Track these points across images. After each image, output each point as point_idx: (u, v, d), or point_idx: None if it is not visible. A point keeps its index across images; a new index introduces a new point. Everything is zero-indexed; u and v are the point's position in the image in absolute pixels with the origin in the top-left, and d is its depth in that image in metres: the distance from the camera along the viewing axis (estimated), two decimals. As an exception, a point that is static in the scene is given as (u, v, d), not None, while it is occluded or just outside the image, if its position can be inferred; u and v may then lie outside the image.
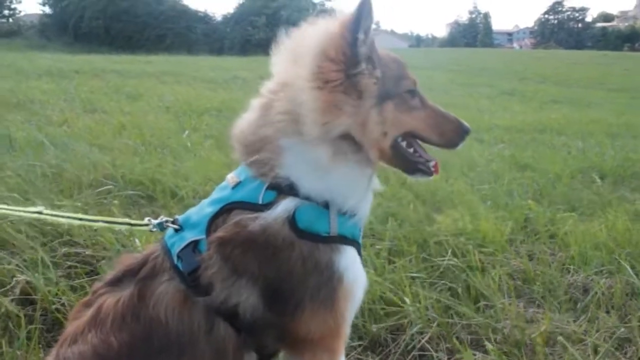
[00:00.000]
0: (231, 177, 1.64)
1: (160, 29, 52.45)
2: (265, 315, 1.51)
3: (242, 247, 1.49)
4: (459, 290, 2.84)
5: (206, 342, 1.51)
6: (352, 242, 1.59)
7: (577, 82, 25.67)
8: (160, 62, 23.66)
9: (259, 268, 1.50)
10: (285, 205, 1.50)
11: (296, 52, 1.57)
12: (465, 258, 3.14)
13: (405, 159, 1.68)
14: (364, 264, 1.66)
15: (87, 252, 2.93)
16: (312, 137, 1.48)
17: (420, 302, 2.65)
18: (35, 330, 2.30)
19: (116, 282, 1.61)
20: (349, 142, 1.52)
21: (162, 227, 1.70)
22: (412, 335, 2.49)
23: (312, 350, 1.59)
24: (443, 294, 2.80)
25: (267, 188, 1.53)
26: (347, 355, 2.12)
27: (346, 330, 1.63)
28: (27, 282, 2.56)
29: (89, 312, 1.55)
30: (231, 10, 58.83)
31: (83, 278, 2.72)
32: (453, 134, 1.73)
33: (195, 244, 1.56)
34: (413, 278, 2.90)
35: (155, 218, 1.76)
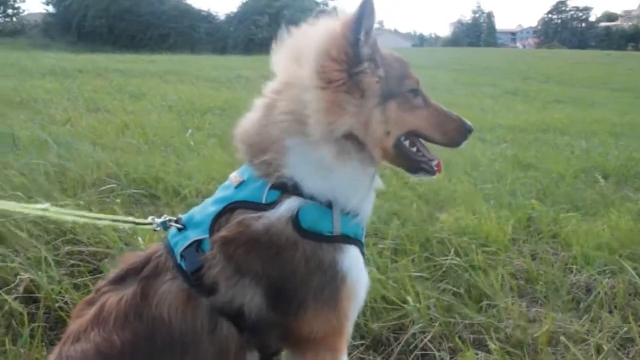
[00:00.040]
0: (234, 177, 1.64)
1: (164, 28, 52.50)
2: (268, 315, 1.52)
3: (245, 246, 1.49)
4: (462, 289, 2.84)
5: (209, 342, 1.51)
6: (355, 241, 1.59)
7: (580, 81, 25.60)
8: (163, 61, 23.68)
9: (263, 267, 1.50)
10: (289, 205, 1.51)
11: (298, 52, 1.58)
12: (468, 257, 3.14)
13: (408, 158, 1.68)
14: (367, 263, 1.66)
15: (90, 251, 2.94)
16: (316, 137, 1.48)
17: (422, 302, 2.65)
18: (39, 328, 2.30)
19: (119, 281, 1.61)
20: (352, 141, 1.52)
21: (165, 226, 1.70)
22: (415, 334, 2.48)
23: (314, 350, 1.59)
24: (445, 294, 2.80)
25: (271, 187, 1.54)
26: (349, 354, 2.12)
27: (349, 329, 1.63)
28: (31, 280, 2.57)
29: (92, 311, 1.56)
30: (234, 10, 58.81)
31: (86, 276, 2.72)
32: (456, 133, 1.73)
33: (198, 243, 1.56)
34: (415, 277, 2.90)
35: (159, 217, 1.76)
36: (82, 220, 2.01)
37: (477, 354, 2.39)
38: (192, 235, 1.58)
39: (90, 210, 3.34)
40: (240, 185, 1.59)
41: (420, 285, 2.81)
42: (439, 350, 2.43)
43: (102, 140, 5.83)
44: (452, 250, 3.19)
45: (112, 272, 1.67)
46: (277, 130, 1.54)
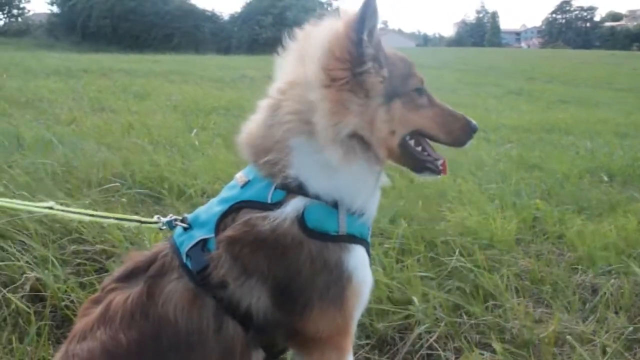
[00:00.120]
0: (240, 176, 1.64)
1: (168, 28, 52.66)
2: (274, 314, 1.52)
3: (251, 246, 1.49)
4: (467, 289, 2.83)
5: (215, 341, 1.51)
6: (361, 241, 1.59)
7: (585, 81, 25.53)
8: (167, 61, 23.74)
9: (268, 267, 1.50)
10: (295, 205, 1.51)
11: (302, 52, 1.58)
12: (473, 257, 3.13)
13: (413, 157, 1.68)
14: (373, 262, 1.66)
15: (96, 250, 2.95)
16: (321, 137, 1.48)
17: (428, 302, 2.64)
18: (45, 327, 2.32)
19: (125, 279, 1.62)
20: (358, 141, 1.52)
21: (171, 225, 1.70)
22: (420, 334, 2.48)
23: (320, 349, 1.59)
24: (451, 294, 2.79)
25: (276, 187, 1.53)
26: (354, 353, 2.11)
27: (354, 328, 1.63)
28: (37, 279, 2.58)
29: (98, 309, 1.56)
30: (238, 10, 59.04)
31: (92, 275, 2.73)
32: (461, 132, 1.72)
33: (204, 243, 1.56)
34: (421, 277, 2.90)
35: (164, 216, 1.77)
36: (87, 218, 2.02)
37: (482, 354, 2.39)
38: (198, 235, 1.58)
39: (96, 209, 3.35)
40: (245, 185, 1.59)
41: (425, 285, 2.81)
42: (444, 351, 2.43)
43: (107, 140, 5.84)
44: (458, 251, 3.18)
45: (118, 271, 1.68)
46: (282, 130, 1.54)
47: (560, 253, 3.50)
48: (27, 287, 2.54)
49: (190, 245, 1.57)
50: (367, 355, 2.42)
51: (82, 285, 2.65)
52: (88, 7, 53.23)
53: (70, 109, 8.44)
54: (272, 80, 1.67)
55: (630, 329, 2.57)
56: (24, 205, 2.07)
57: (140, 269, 1.61)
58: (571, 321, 2.64)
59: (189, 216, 1.68)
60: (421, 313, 2.57)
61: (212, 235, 1.56)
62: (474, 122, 1.74)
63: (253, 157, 1.61)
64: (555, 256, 3.41)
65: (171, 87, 13.02)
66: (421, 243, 3.26)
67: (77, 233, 3.05)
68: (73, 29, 53.42)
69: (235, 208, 1.56)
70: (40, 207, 1.97)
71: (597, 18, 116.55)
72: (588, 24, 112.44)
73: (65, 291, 2.56)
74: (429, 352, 2.43)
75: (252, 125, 1.64)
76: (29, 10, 62.77)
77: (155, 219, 1.78)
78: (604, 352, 2.41)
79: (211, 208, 1.63)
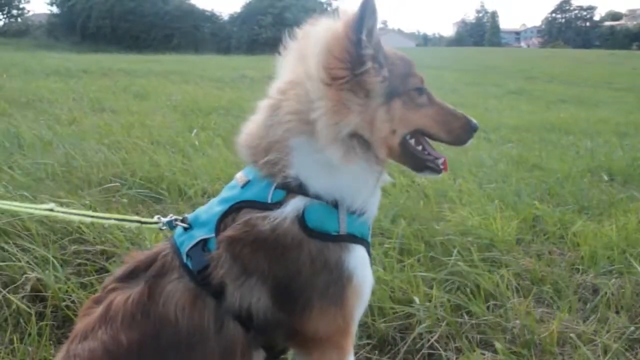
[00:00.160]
0: (240, 176, 1.64)
1: (167, 28, 52.67)
2: (275, 314, 1.52)
3: (251, 246, 1.49)
4: (468, 289, 2.83)
5: (215, 341, 1.51)
6: (362, 240, 1.59)
7: (584, 81, 25.52)
8: (167, 61, 23.75)
9: (269, 267, 1.50)
10: (295, 204, 1.51)
11: (302, 52, 1.58)
12: (474, 257, 3.13)
13: (414, 156, 1.68)
14: (373, 262, 1.66)
15: (96, 250, 2.95)
16: (322, 136, 1.48)
17: (429, 301, 2.64)
18: (46, 327, 2.32)
19: (126, 279, 1.62)
20: (358, 140, 1.52)
21: (171, 225, 1.70)
22: (421, 334, 2.48)
23: (321, 349, 1.59)
24: (452, 293, 2.79)
25: (276, 187, 1.53)
26: (355, 353, 2.11)
27: (354, 328, 1.63)
28: (38, 280, 2.58)
29: (99, 309, 1.56)
30: (238, 10, 59.03)
31: (93, 275, 2.74)
32: (461, 131, 1.72)
33: (204, 243, 1.56)
34: (422, 277, 2.89)
35: (164, 216, 1.77)
36: (88, 219, 2.02)
37: (483, 354, 2.39)
38: (198, 235, 1.58)
39: (96, 210, 3.35)
40: (246, 185, 1.59)
41: (426, 285, 2.81)
42: (445, 350, 2.42)
43: (107, 140, 5.84)
44: (458, 250, 3.18)
45: (119, 271, 1.68)
46: (282, 130, 1.54)
47: (561, 253, 3.50)
48: (28, 288, 2.54)
49: (190, 245, 1.57)
50: (368, 355, 2.42)
51: (82, 286, 2.65)
52: (88, 7, 53.25)
53: (70, 109, 8.43)
54: (272, 80, 1.67)
55: (632, 328, 2.57)
56: (25, 207, 2.07)
57: (141, 269, 1.61)
58: (572, 321, 2.64)
59: (189, 216, 1.68)
60: (422, 313, 2.57)
61: (213, 235, 1.55)
62: (474, 120, 1.74)
63: (253, 158, 1.60)
64: (556, 256, 3.41)
65: (171, 87, 13.01)
66: (421, 243, 3.26)
67: (78, 233, 3.05)
68: (73, 30, 53.44)
69: (235, 208, 1.56)
70: (41, 209, 1.97)
71: (596, 17, 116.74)
72: (588, 24, 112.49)
73: (66, 291, 2.56)
74: (430, 351, 2.43)
75: (252, 126, 1.64)
76: (28, 11, 62.93)
77: (155, 219, 1.78)
78: (605, 352, 2.41)
79: (211, 208, 1.63)
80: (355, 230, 1.57)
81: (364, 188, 1.58)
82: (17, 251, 2.74)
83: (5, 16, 59.42)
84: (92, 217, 2.00)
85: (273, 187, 1.54)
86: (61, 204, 3.20)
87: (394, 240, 3.23)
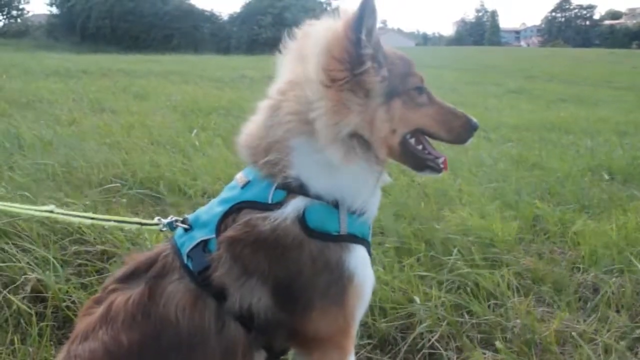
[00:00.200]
0: (240, 177, 1.64)
1: (167, 28, 52.67)
2: (276, 315, 1.52)
3: (252, 246, 1.49)
4: (469, 289, 2.83)
5: (216, 342, 1.51)
6: (362, 240, 1.59)
7: (584, 80, 25.51)
8: (167, 61, 23.75)
9: (269, 267, 1.50)
10: (295, 205, 1.51)
11: (301, 52, 1.58)
12: (474, 257, 3.13)
13: (414, 156, 1.68)
14: (373, 262, 1.66)
15: (97, 250, 2.95)
16: (323, 137, 1.48)
17: (429, 301, 2.64)
18: (47, 328, 2.32)
19: (126, 280, 1.62)
20: (358, 140, 1.52)
21: (172, 226, 1.70)
22: (422, 333, 2.48)
23: (322, 349, 1.59)
24: (452, 293, 2.79)
25: (277, 188, 1.53)
26: (356, 353, 2.12)
27: (355, 328, 1.63)
28: (38, 280, 2.58)
29: (100, 310, 1.56)
30: (237, 10, 59.01)
31: (93, 276, 2.74)
32: (461, 130, 1.73)
33: (205, 244, 1.56)
34: (422, 277, 2.90)
35: (164, 217, 1.77)
36: (88, 221, 2.02)
37: (484, 354, 2.39)
38: (199, 236, 1.58)
39: (96, 210, 3.35)
40: (246, 185, 1.59)
41: (427, 284, 2.81)
42: (446, 350, 2.42)
43: (108, 141, 5.84)
44: (458, 250, 3.18)
45: (119, 272, 1.68)
46: (282, 130, 1.54)
47: (561, 252, 3.50)
48: (28, 288, 2.54)
49: (191, 246, 1.57)
50: (369, 355, 2.42)
51: (83, 286, 2.65)
52: (87, 8, 53.26)
53: (70, 109, 8.43)
54: (272, 80, 1.67)
55: (630, 326, 2.57)
56: (25, 209, 2.07)
57: (142, 269, 1.61)
58: (573, 320, 2.64)
59: (189, 217, 1.68)
60: (423, 312, 2.57)
61: (213, 235, 1.55)
62: (474, 119, 1.74)
63: (253, 158, 1.60)
64: (557, 255, 3.41)
65: (171, 88, 13.00)
66: (422, 242, 3.26)
67: (78, 234, 3.05)
68: (72, 30, 53.44)
69: (235, 209, 1.56)
70: (41, 211, 1.97)
71: (596, 16, 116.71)
72: (587, 23, 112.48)
73: (67, 292, 2.56)
74: (431, 351, 2.43)
75: (252, 126, 1.64)
76: (28, 12, 62.99)
77: (156, 220, 1.78)
78: (606, 351, 2.41)
79: (212, 209, 1.63)
80: (355, 230, 1.57)
81: (364, 188, 1.58)
82: (17, 252, 2.74)
83: (4, 17, 59.52)
84: (93, 219, 2.00)
85: (273, 188, 1.54)
86: (61, 205, 3.21)
87: (394, 239, 3.23)
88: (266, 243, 1.48)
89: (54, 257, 2.71)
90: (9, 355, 2.22)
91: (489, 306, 2.72)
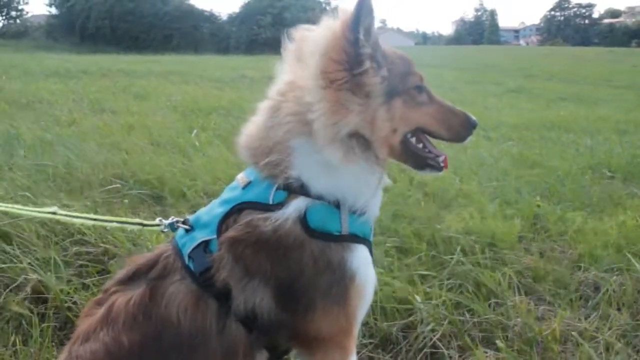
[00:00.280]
0: (241, 178, 1.64)
1: (167, 29, 52.63)
2: (278, 315, 1.52)
3: (253, 247, 1.49)
4: (470, 288, 2.83)
5: (218, 342, 1.51)
6: (364, 240, 1.59)
7: (584, 79, 25.49)
8: (167, 61, 23.74)
9: (271, 268, 1.50)
10: (296, 205, 1.51)
11: (300, 54, 1.58)
12: (475, 256, 3.13)
13: (415, 154, 1.68)
14: (374, 262, 1.66)
15: (98, 251, 2.95)
16: (321, 137, 1.47)
17: (431, 300, 2.64)
18: (48, 329, 2.32)
19: (127, 281, 1.62)
20: (359, 140, 1.52)
21: (173, 227, 1.70)
22: (423, 333, 2.48)
23: (323, 349, 1.59)
24: (453, 292, 2.79)
25: (278, 188, 1.53)
26: (358, 353, 2.12)
27: (357, 328, 1.63)
28: (39, 281, 2.58)
29: (101, 311, 1.56)
30: (237, 10, 58.91)
31: (94, 277, 2.74)
32: (461, 128, 1.73)
33: (206, 244, 1.56)
34: (423, 276, 2.90)
35: (164, 217, 1.77)
36: (90, 222, 2.02)
37: (486, 352, 2.39)
38: (200, 236, 1.58)
39: (97, 211, 3.36)
40: (247, 186, 1.59)
41: (428, 284, 2.81)
42: (447, 349, 2.43)
43: (108, 141, 5.84)
44: (459, 249, 3.18)
45: (120, 273, 1.68)
46: (283, 131, 1.53)
47: (562, 250, 3.50)
48: (29, 289, 2.54)
49: (192, 247, 1.57)
50: (371, 354, 2.42)
51: (84, 287, 2.65)
52: (87, 8, 53.21)
53: (70, 110, 8.44)
54: (272, 80, 1.67)
55: (631, 324, 2.57)
56: (28, 210, 2.07)
57: (143, 271, 1.61)
58: (574, 318, 2.64)
59: (190, 218, 1.68)
60: (424, 312, 2.57)
61: (214, 236, 1.55)
62: (473, 117, 1.75)
63: (254, 159, 1.60)
64: (557, 254, 3.41)
65: (171, 88, 13.00)
66: (422, 242, 3.26)
67: (80, 235, 3.05)
68: (72, 31, 53.39)
69: (237, 209, 1.56)
70: (44, 212, 1.97)
71: (595, 15, 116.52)
72: (587, 21, 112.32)
73: (68, 293, 2.56)
74: (433, 350, 2.43)
75: (252, 127, 1.64)
76: (27, 12, 62.91)
77: (157, 221, 1.78)
78: (607, 349, 2.41)
79: (213, 209, 1.63)
80: (357, 230, 1.57)
81: (365, 188, 1.57)
82: (18, 253, 2.74)
83: (4, 18, 59.46)
84: (95, 220, 2.00)
85: (274, 188, 1.54)
86: (62, 206, 3.20)
87: (395, 239, 3.23)
88: (268, 243, 1.48)
89: (55, 258, 2.71)
90: (10, 356, 2.22)
91: (489, 305, 2.73)
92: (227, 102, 10.40)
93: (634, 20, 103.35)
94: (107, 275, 2.67)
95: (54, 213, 1.91)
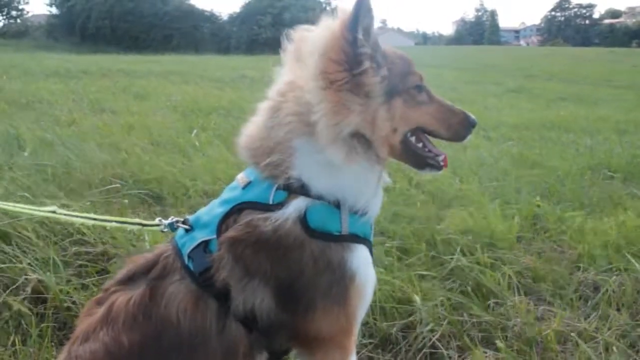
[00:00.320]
0: (241, 178, 1.64)
1: (167, 28, 52.68)
2: (278, 315, 1.52)
3: (253, 247, 1.49)
4: (469, 288, 2.83)
5: (217, 342, 1.51)
6: (364, 240, 1.59)
7: (584, 79, 25.47)
8: (167, 61, 23.75)
9: (271, 268, 1.50)
10: (297, 205, 1.51)
11: (300, 54, 1.58)
12: (475, 256, 3.13)
13: (415, 154, 1.68)
14: (374, 262, 1.67)
15: (97, 251, 2.95)
16: (324, 137, 1.47)
17: (430, 300, 2.64)
18: (47, 329, 2.32)
19: (127, 281, 1.62)
20: (359, 140, 1.52)
21: (173, 227, 1.70)
22: (423, 333, 2.48)
23: (323, 349, 1.59)
24: (453, 292, 2.79)
25: (278, 188, 1.53)
26: (357, 353, 2.12)
27: (357, 328, 1.63)
28: (39, 281, 2.58)
29: (101, 311, 1.56)
30: (237, 10, 58.98)
31: (93, 277, 2.74)
32: (460, 127, 1.73)
33: (206, 244, 1.56)
34: (423, 276, 2.90)
35: (164, 217, 1.77)
36: (90, 222, 2.02)
37: (485, 353, 2.39)
38: (200, 236, 1.58)
39: (97, 211, 3.35)
40: (247, 186, 1.59)
41: (427, 284, 2.81)
42: (447, 349, 2.43)
43: (107, 141, 5.84)
44: (459, 249, 3.18)
45: (120, 273, 1.68)
46: (284, 131, 1.53)
47: (561, 251, 3.50)
48: (29, 289, 2.54)
49: (192, 247, 1.57)
50: (370, 354, 2.42)
51: (84, 287, 2.65)
52: (87, 8, 53.26)
53: (70, 110, 8.44)
54: (272, 81, 1.67)
55: (631, 324, 2.57)
56: (28, 209, 2.07)
57: (142, 271, 1.61)
58: (573, 319, 2.64)
59: (190, 218, 1.68)
60: (424, 312, 2.57)
61: (214, 236, 1.55)
62: (472, 116, 1.75)
63: (254, 159, 1.60)
64: (557, 254, 3.41)
65: (171, 88, 13.00)
66: (422, 242, 3.26)
67: (79, 235, 3.05)
68: (72, 30, 53.44)
69: (237, 209, 1.55)
70: (44, 211, 1.97)
71: (596, 15, 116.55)
72: (587, 22, 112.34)
73: (67, 293, 2.56)
74: (432, 350, 2.43)
75: (252, 127, 1.64)
76: (27, 12, 62.95)
77: (157, 221, 1.78)
78: (607, 350, 2.41)
79: (213, 209, 1.63)
80: (357, 230, 1.57)
81: (365, 187, 1.58)
82: (18, 253, 2.74)
83: (4, 17, 59.55)
84: (94, 219, 2.00)
85: (274, 188, 1.54)
86: (61, 206, 3.20)
87: (394, 239, 3.23)
88: (268, 244, 1.48)
89: (54, 258, 2.71)
90: (10, 356, 2.22)
91: (489, 305, 2.73)
92: (227, 102, 10.39)
93: (634, 20, 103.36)
94: (107, 275, 2.67)
95: (53, 212, 1.91)
